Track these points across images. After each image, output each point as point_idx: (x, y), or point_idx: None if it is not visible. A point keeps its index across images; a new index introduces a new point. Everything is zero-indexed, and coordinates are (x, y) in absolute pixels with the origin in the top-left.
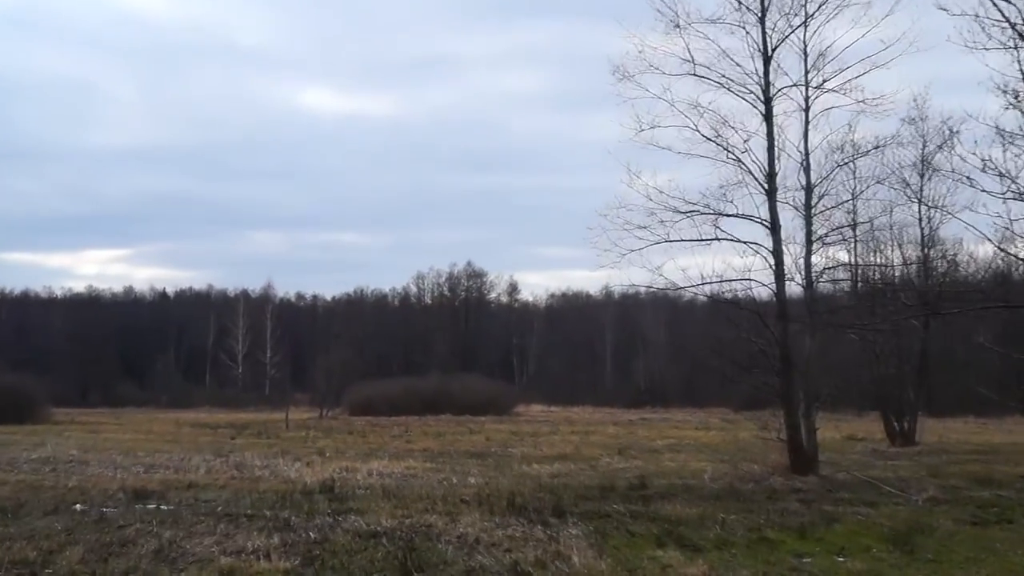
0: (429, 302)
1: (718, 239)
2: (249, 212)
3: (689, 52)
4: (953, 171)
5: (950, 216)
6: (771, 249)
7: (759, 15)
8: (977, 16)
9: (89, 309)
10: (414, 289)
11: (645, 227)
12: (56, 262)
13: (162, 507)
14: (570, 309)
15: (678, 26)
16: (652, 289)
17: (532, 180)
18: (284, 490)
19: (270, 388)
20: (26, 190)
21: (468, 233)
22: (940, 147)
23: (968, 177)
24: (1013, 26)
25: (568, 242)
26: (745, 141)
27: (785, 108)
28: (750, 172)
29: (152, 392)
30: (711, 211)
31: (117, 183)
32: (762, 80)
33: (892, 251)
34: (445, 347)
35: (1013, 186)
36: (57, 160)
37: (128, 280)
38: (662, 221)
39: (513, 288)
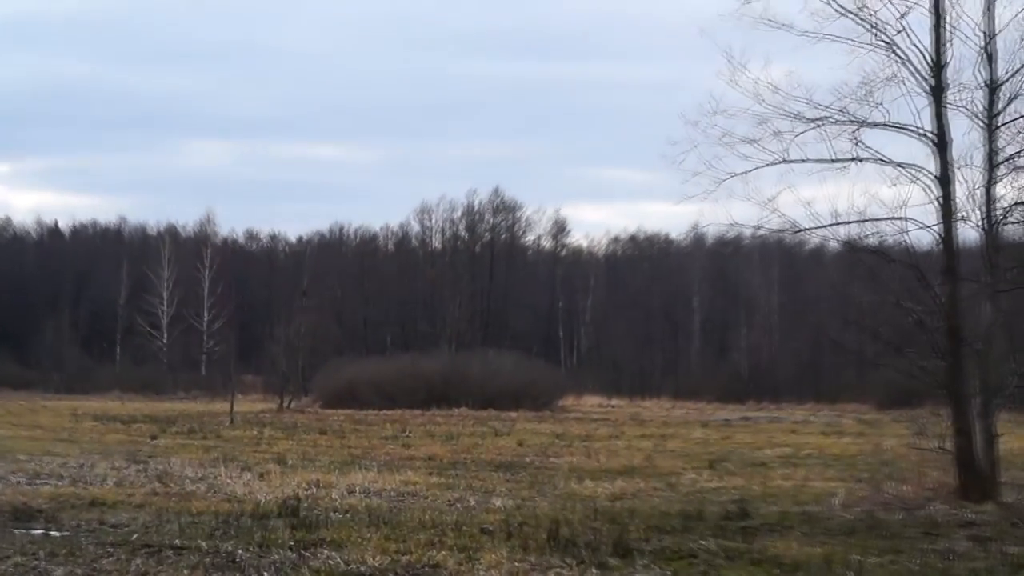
0: (438, 247)
1: (858, 159)
2: (180, 112)
3: None
4: None
5: None
6: (936, 175)
7: None
8: None
9: None
10: (416, 228)
11: (753, 141)
12: None
13: (53, 532)
14: (641, 259)
15: None
16: (762, 231)
17: (586, 71)
18: (227, 512)
19: (208, 367)
20: None
21: (495, 147)
22: None
23: None
24: None
25: (639, 162)
26: (901, 16)
27: None
28: (907, 62)
29: (38, 370)
30: (849, 119)
31: None
32: None
33: None
34: (460, 312)
35: None
36: None
37: (4, 209)
38: (778, 133)
39: (559, 228)
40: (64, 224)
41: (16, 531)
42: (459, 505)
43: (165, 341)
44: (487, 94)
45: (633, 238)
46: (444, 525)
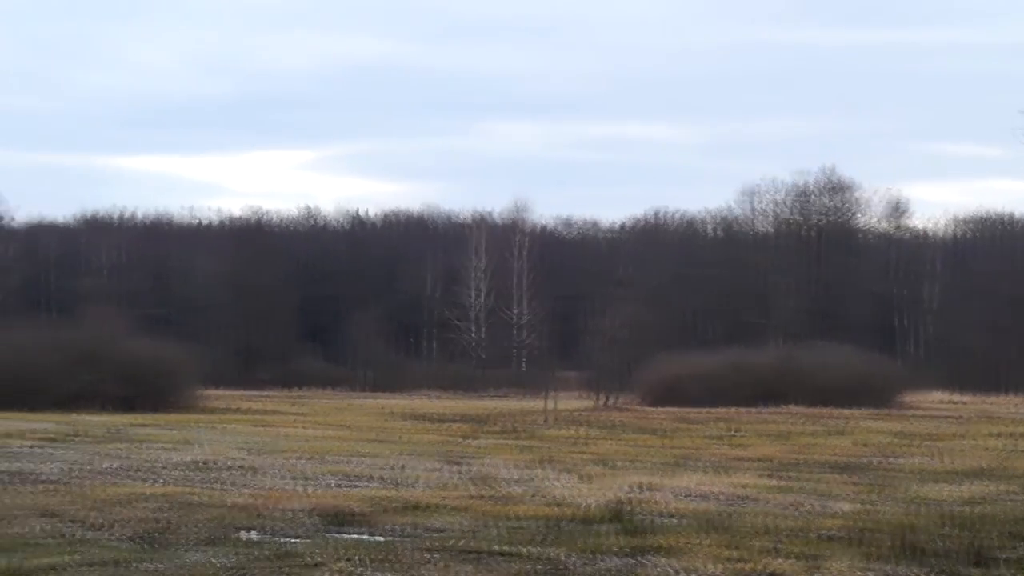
0: (765, 231)
1: None
2: (489, 92)
3: None
4: None
5: None
6: None
7: None
8: None
9: (252, 242)
10: (741, 212)
11: None
12: (203, 171)
13: (370, 537)
14: (992, 242)
15: None
16: None
17: (920, 37)
18: (551, 516)
19: (522, 362)
20: (152, 62)
21: (825, 123)
22: None
23: None
24: None
25: (990, 136)
26: None
27: None
28: None
29: (346, 367)
30: None
31: (289, 49)
32: None
33: None
34: (790, 301)
35: None
36: (192, 16)
37: (309, 198)
38: None
39: (897, 209)
40: (370, 213)
41: (332, 535)
42: (797, 510)
43: (478, 336)
44: (809, 66)
45: (982, 219)
46: (782, 531)
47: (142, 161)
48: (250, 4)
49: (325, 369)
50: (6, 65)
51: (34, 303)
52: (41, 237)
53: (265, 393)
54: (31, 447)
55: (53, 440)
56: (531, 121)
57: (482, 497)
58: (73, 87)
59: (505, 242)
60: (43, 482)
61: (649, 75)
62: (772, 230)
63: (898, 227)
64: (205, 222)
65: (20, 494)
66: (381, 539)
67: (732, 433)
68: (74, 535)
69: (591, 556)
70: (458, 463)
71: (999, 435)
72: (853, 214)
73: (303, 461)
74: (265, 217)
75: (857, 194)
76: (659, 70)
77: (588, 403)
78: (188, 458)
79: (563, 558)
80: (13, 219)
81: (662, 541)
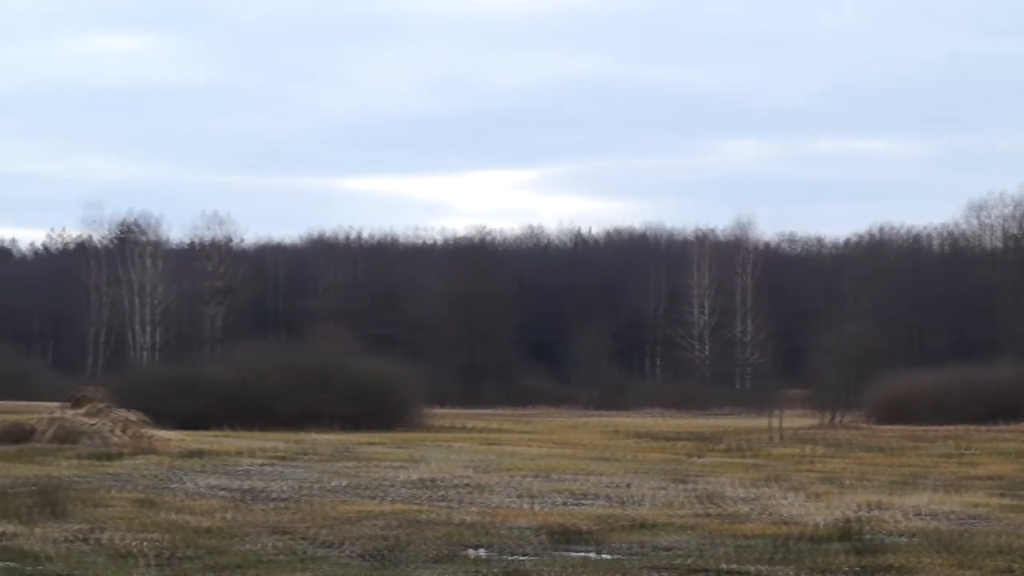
0: (993, 246)
1: None
2: (710, 108)
3: None
4: None
5: None
6: None
7: None
8: None
9: (475, 261)
10: (968, 227)
11: None
12: (429, 191)
13: (599, 556)
14: None
15: None
16: None
17: None
18: (780, 535)
19: (749, 380)
20: (382, 83)
21: None
22: None
23: None
24: None
25: None
26: None
27: None
28: None
29: (571, 385)
30: None
31: (516, 66)
32: None
33: None
34: (1020, 317)
35: None
36: (424, 36)
37: (532, 216)
38: None
39: None
40: (594, 231)
41: (560, 553)
42: None
43: (703, 353)
44: None
45: None
46: (1016, 551)
47: (371, 182)
48: (480, 24)
49: (549, 387)
50: (237, 88)
51: (262, 323)
52: (269, 258)
53: (490, 411)
54: (262, 465)
55: (283, 458)
56: (754, 137)
57: (709, 515)
58: (304, 109)
59: (729, 259)
60: (274, 500)
61: (874, 89)
62: (1000, 245)
63: None
64: (430, 242)
65: (252, 512)
66: (609, 557)
67: (962, 451)
68: (306, 552)
69: (820, 575)
70: (685, 481)
71: None
72: None
73: (530, 479)
74: (489, 236)
75: None
76: (884, 84)
77: (813, 421)
78: (416, 476)
79: None
80: (242, 240)
81: (893, 560)
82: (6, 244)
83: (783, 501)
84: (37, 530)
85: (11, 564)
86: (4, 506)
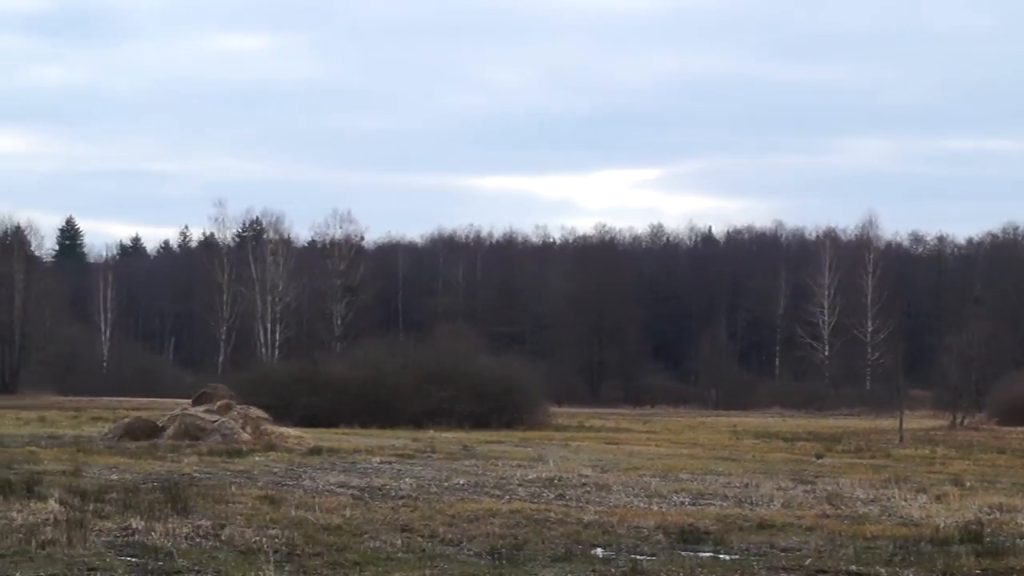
0: None
1: None
2: (835, 106)
3: None
4: None
5: None
6: None
7: None
8: None
9: (599, 260)
10: None
11: None
12: (553, 190)
13: (721, 556)
14: None
15: None
16: None
17: None
18: (904, 536)
19: (873, 380)
20: (509, 82)
21: None
22: None
23: None
24: None
25: None
26: None
27: None
28: None
29: (694, 384)
30: None
31: (640, 65)
32: None
33: None
34: None
35: None
36: (547, 34)
37: (654, 215)
38: None
39: None
40: (717, 230)
41: (683, 552)
42: None
43: (826, 353)
44: None
45: None
46: None
47: (494, 181)
48: (605, 22)
49: (672, 387)
50: (359, 87)
51: (385, 321)
52: (393, 256)
53: (611, 410)
54: (384, 463)
55: (405, 456)
56: (880, 136)
57: (831, 516)
58: (430, 108)
59: (854, 258)
60: (396, 497)
61: (1002, 87)
62: None
63: None
64: (553, 240)
65: (375, 509)
66: (729, 558)
67: None
68: (427, 550)
69: None
70: (809, 482)
71: None
72: None
73: (653, 479)
74: (612, 235)
75: None
76: (1012, 81)
77: (939, 422)
78: (537, 475)
79: None
80: (365, 238)
81: (1017, 563)
82: (135, 242)
83: (906, 503)
84: (163, 526)
85: (137, 560)
86: (131, 502)
